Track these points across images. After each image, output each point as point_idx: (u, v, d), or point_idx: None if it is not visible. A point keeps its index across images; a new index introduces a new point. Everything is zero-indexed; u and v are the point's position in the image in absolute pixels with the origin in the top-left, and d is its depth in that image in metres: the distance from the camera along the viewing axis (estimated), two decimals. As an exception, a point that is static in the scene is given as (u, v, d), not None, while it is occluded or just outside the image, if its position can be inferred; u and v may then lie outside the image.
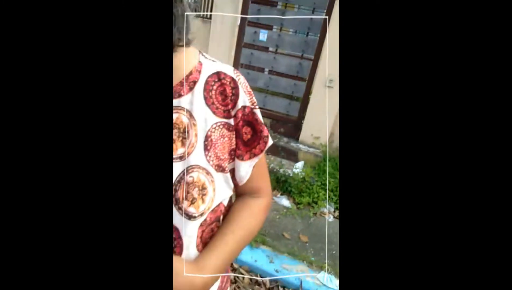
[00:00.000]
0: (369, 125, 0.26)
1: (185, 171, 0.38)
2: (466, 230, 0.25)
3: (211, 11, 2.81)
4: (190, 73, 0.39)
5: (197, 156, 0.39)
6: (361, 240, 0.26)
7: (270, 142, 0.45)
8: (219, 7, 2.71)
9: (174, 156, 0.38)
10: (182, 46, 0.36)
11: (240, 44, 2.72)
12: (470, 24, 0.24)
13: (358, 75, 0.26)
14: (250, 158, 0.44)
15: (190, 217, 0.38)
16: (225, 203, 0.45)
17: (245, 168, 0.44)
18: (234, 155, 0.43)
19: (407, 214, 0.26)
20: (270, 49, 3.01)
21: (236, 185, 0.46)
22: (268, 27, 2.83)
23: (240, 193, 0.49)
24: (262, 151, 0.44)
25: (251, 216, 0.47)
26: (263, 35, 2.62)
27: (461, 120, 0.24)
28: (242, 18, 2.69)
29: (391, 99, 0.26)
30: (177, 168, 0.38)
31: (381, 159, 0.26)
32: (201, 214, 0.39)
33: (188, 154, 0.38)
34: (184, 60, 0.38)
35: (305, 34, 2.72)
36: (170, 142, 0.36)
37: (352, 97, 0.26)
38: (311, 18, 2.57)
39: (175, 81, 0.39)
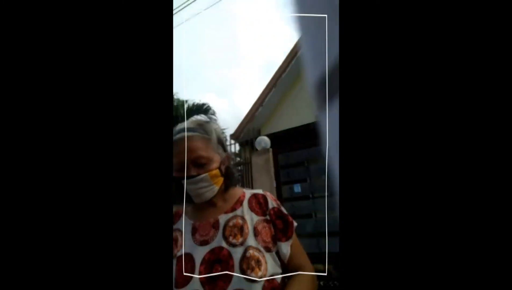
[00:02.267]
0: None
1: (245, 249, 0.61)
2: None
3: (252, 183, 3.56)
4: (240, 197, 0.73)
5: (251, 240, 0.63)
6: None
7: (295, 224, 0.69)
8: (258, 180, 3.46)
9: (237, 243, 0.63)
10: (234, 187, 0.73)
11: (281, 200, 3.18)
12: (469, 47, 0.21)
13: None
14: (286, 240, 0.66)
15: (252, 281, 0.57)
16: (278, 280, 0.62)
17: (285, 247, 0.66)
18: (276, 239, 0.66)
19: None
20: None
21: (283, 262, 0.65)
22: (302, 180, 3.35)
23: (290, 272, 0.66)
24: (292, 233, 0.67)
25: (299, 284, 0.62)
26: (297, 188, 3.11)
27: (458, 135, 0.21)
28: (277, 181, 3.33)
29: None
30: (239, 251, 0.62)
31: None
32: (260, 278, 0.58)
33: (245, 239, 0.63)
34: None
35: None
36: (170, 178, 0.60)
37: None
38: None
39: (232, 204, 0.71)
